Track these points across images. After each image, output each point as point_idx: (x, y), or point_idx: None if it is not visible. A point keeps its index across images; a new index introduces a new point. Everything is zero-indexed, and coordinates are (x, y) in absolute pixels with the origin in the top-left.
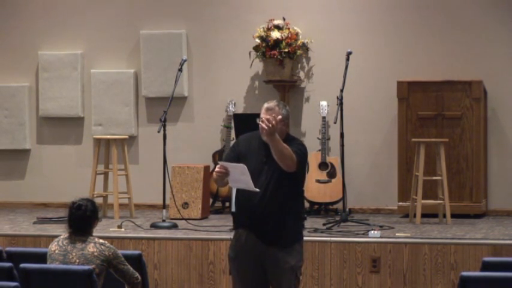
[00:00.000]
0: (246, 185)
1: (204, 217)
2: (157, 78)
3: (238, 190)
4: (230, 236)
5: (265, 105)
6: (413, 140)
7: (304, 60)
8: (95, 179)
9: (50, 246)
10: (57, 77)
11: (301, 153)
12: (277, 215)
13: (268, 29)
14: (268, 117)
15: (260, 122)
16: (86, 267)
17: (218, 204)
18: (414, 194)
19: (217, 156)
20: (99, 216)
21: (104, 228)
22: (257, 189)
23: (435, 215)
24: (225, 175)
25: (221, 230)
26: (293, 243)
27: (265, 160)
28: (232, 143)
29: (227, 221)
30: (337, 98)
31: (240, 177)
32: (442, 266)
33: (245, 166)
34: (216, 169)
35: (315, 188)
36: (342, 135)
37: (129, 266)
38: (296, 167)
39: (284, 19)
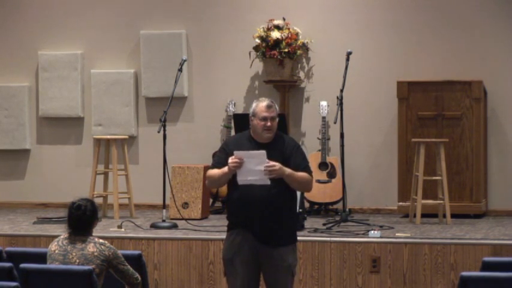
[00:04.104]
0: (258, 176)
1: (204, 217)
2: (157, 78)
3: (232, 192)
4: None
5: (263, 103)
6: (413, 140)
7: (304, 60)
8: (95, 179)
9: (49, 246)
10: (57, 77)
11: (308, 162)
12: (275, 214)
13: (268, 29)
14: (269, 165)
15: (265, 171)
16: (86, 267)
17: (218, 204)
18: (414, 194)
19: None
20: (99, 216)
21: (104, 228)
22: (268, 182)
23: (435, 215)
24: (240, 166)
25: (221, 230)
26: (290, 242)
27: None
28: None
29: (227, 221)
30: (337, 98)
31: (255, 168)
32: (442, 266)
33: (265, 152)
34: (232, 160)
35: (315, 188)
36: (342, 135)
37: (129, 267)
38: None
39: (284, 19)
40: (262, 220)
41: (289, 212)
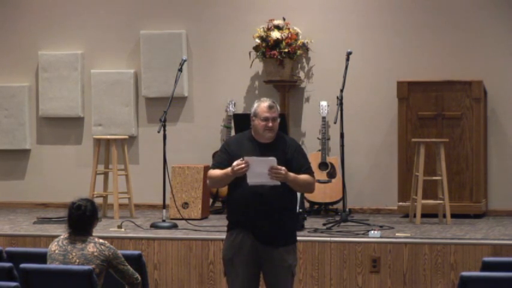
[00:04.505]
0: (266, 179)
1: (204, 217)
2: (157, 78)
3: (233, 191)
4: None
5: (265, 103)
6: (413, 140)
7: (304, 60)
8: (95, 179)
9: (50, 246)
10: (57, 77)
11: (310, 163)
12: (276, 215)
13: (268, 29)
14: (275, 168)
15: (271, 174)
16: (86, 267)
17: (218, 204)
18: (414, 194)
19: None
20: (99, 216)
21: (104, 228)
22: (278, 182)
23: (435, 215)
24: (245, 170)
25: (221, 230)
26: (290, 242)
27: None
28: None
29: (227, 221)
30: (337, 98)
31: (263, 171)
32: (442, 266)
33: (275, 159)
34: (238, 166)
35: (315, 188)
36: (342, 135)
37: (129, 267)
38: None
39: (284, 19)
40: (262, 220)
41: (290, 212)
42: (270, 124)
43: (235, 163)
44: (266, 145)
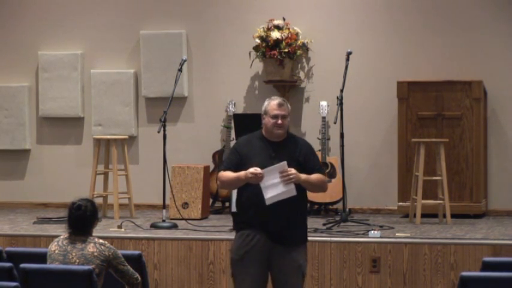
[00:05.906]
0: (281, 189)
1: (204, 217)
2: (157, 78)
3: (242, 191)
4: (230, 236)
5: (275, 101)
6: (413, 140)
7: (304, 60)
8: (95, 179)
9: (49, 246)
10: (57, 77)
11: (320, 162)
12: (288, 214)
13: (268, 29)
14: (285, 172)
15: (283, 179)
16: (86, 267)
17: (218, 204)
18: (414, 194)
19: (217, 156)
20: (99, 216)
21: (104, 228)
22: (294, 192)
23: (435, 215)
24: (259, 179)
25: (221, 230)
26: (302, 242)
27: (274, 155)
28: (232, 144)
29: (227, 221)
30: (337, 98)
31: (276, 180)
32: (442, 266)
33: (285, 163)
34: (254, 174)
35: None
36: (342, 135)
37: (128, 267)
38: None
39: (284, 19)
40: (275, 220)
41: (301, 212)
42: (280, 121)
43: (251, 170)
44: (277, 144)
